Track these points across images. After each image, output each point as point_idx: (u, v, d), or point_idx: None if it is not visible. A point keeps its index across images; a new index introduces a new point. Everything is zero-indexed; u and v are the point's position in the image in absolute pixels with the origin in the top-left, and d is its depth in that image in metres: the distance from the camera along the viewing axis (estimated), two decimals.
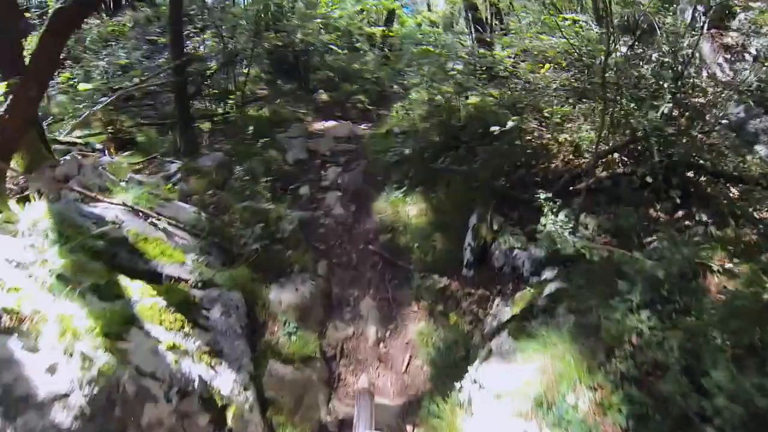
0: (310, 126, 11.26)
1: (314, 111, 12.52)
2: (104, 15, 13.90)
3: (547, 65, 7.50)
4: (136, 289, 4.76)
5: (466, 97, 8.43)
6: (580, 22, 8.23)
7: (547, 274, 5.84)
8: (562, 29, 7.68)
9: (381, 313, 6.16)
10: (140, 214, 6.01)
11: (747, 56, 8.23)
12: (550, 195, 6.06)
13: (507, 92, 7.83)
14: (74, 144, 9.36)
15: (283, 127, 10.70)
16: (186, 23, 13.68)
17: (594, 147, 6.78)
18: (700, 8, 9.49)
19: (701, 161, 6.48)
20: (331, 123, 11.38)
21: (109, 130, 9.88)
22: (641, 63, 7.68)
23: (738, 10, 9.05)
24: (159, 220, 6.13)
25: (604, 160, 6.93)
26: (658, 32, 8.08)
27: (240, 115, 11.11)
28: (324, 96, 13.08)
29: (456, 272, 6.43)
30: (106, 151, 9.37)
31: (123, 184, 6.85)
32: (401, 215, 7.37)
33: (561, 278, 5.56)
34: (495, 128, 6.34)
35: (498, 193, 6.83)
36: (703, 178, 6.46)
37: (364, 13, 15.02)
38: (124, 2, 15.14)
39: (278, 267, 6.34)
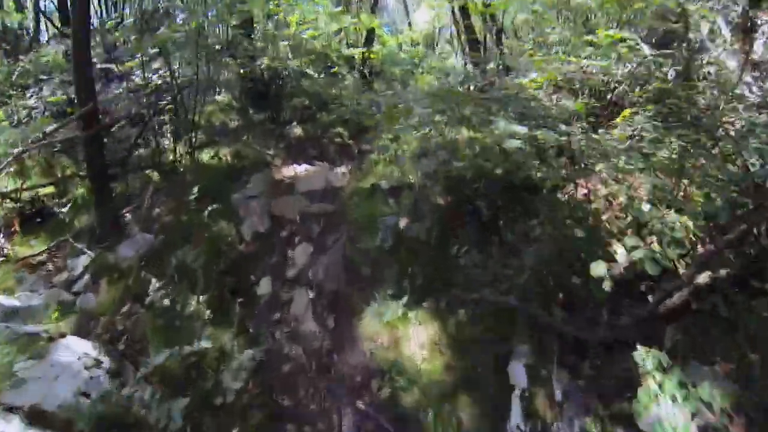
0: (279, 172, 8.14)
1: (285, 150, 9.37)
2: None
3: (627, 111, 4.42)
4: None
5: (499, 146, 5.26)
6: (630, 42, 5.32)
7: None
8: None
9: None
10: None
11: None
12: (654, 352, 3.37)
13: (554, 136, 4.66)
14: None
15: (244, 178, 7.50)
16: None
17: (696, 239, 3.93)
18: (720, 20, 6.86)
19: None
20: (303, 168, 8.29)
21: (10, 199, 6.74)
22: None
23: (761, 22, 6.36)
24: None
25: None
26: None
27: (192, 163, 7.94)
28: (297, 130, 9.96)
29: None
30: (2, 232, 6.29)
31: None
32: (403, 348, 4.40)
33: None
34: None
35: (552, 327, 3.82)
36: None
37: (342, 33, 11.86)
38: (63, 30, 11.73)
39: None
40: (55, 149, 8.49)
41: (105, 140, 8.87)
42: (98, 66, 10.33)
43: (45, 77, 9.45)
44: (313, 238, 6.12)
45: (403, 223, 5.41)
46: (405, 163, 6.71)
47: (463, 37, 10.60)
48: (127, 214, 7.25)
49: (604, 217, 4.54)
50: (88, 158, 6.34)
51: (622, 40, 5.28)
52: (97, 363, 4.25)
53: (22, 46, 11.36)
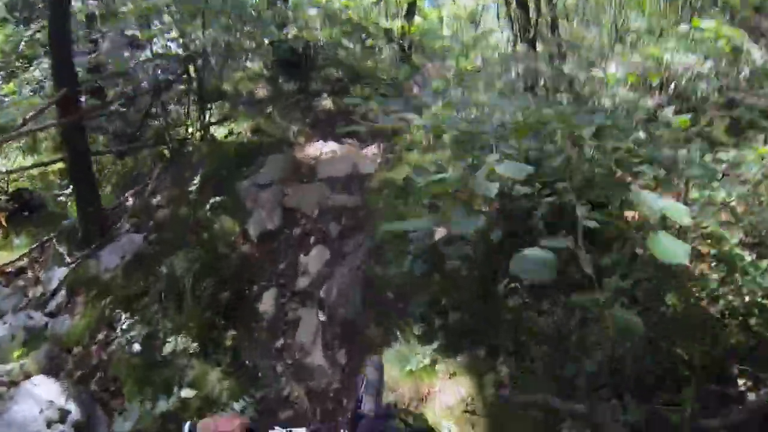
0: (301, 151, 7.01)
1: (312, 124, 8.20)
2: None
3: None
4: None
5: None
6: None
7: None
8: None
9: None
10: None
11: None
12: None
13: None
14: None
15: (260, 159, 6.41)
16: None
17: None
18: None
19: None
20: (329, 147, 7.12)
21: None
22: None
23: None
24: None
25: None
26: None
27: (204, 140, 6.90)
28: (327, 102, 8.76)
29: None
30: None
31: None
32: (426, 408, 3.21)
33: None
34: None
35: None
36: None
37: (382, 3, 10.58)
38: None
39: None
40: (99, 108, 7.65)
41: (123, 110, 7.97)
42: (126, 32, 9.32)
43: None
44: (330, 240, 4.97)
45: (439, 233, 4.20)
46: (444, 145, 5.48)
47: (513, 14, 9.08)
48: (129, 200, 6.31)
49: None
50: (67, 148, 5.26)
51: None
52: (64, 415, 3.31)
53: (37, 12, 10.33)
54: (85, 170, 5.26)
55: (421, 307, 3.64)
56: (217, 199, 5.18)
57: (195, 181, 5.39)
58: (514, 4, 9.04)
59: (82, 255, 4.88)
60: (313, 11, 9.24)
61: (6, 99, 7.82)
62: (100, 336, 4.11)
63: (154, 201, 5.77)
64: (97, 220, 5.23)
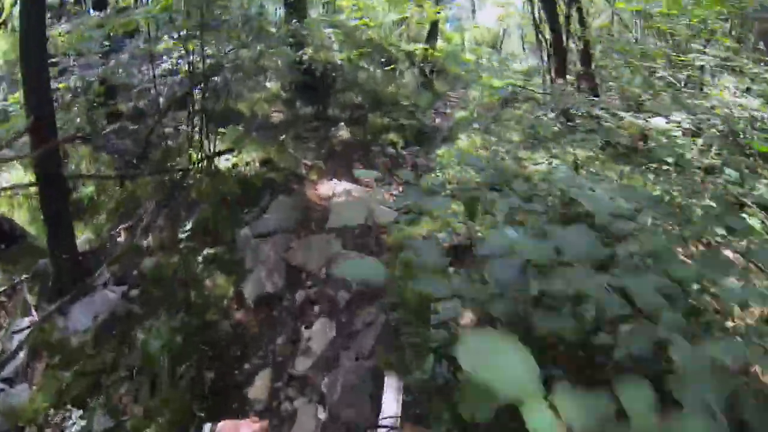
0: (313, 189, 6.33)
1: (327, 156, 7.53)
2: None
3: None
4: None
5: None
6: None
7: None
8: None
9: None
10: None
11: None
12: None
13: None
14: None
15: (266, 198, 5.71)
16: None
17: None
18: None
19: None
20: (343, 186, 6.43)
21: None
22: None
23: None
24: None
25: None
26: None
27: (204, 173, 6.19)
28: (344, 133, 8.12)
29: None
30: None
31: None
32: None
33: None
34: None
35: None
36: None
37: (404, 26, 9.93)
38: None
39: None
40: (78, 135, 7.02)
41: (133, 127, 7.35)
42: (140, 46, 8.67)
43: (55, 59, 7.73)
44: (337, 311, 4.19)
45: (466, 318, 3.46)
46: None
47: (545, 43, 8.23)
48: (121, 234, 5.61)
49: None
50: (38, 179, 4.48)
51: None
52: None
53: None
54: (58, 205, 4.45)
55: (445, 425, 2.87)
56: (212, 250, 4.46)
57: (189, 225, 4.66)
58: (539, 22, 8.29)
59: (49, 310, 4.13)
60: (329, 30, 8.60)
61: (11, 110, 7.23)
62: (57, 418, 3.38)
63: (144, 242, 5.05)
64: (70, 264, 4.44)
